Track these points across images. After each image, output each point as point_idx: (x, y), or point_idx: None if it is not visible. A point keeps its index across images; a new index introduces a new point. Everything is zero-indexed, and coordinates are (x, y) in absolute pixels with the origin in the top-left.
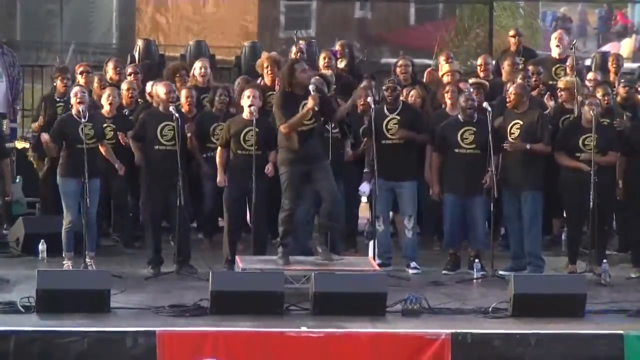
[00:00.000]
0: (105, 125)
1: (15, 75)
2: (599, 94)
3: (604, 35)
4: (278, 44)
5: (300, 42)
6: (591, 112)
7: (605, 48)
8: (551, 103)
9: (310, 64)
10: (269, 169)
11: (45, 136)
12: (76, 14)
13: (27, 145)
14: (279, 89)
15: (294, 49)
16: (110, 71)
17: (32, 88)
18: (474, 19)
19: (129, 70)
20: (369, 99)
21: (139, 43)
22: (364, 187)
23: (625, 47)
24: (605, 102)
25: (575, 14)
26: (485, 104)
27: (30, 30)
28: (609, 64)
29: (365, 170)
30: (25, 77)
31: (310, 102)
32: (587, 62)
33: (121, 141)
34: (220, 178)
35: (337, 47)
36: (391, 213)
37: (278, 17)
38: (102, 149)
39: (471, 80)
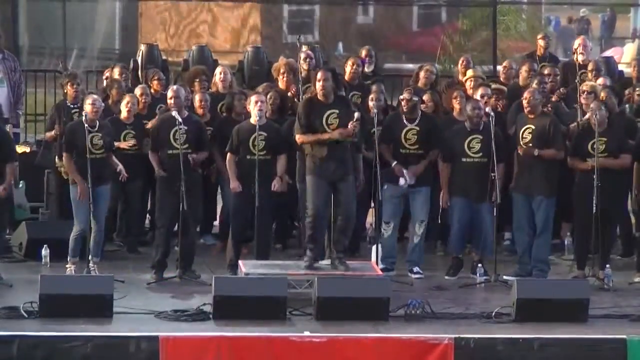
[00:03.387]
0: (125, 132)
1: (16, 80)
2: (601, 98)
3: (606, 39)
4: (281, 49)
5: (304, 47)
6: (595, 116)
7: (607, 53)
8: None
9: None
10: (275, 185)
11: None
12: (79, 19)
13: (28, 150)
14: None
15: (302, 55)
16: (116, 76)
17: (34, 93)
18: (476, 23)
19: (153, 76)
20: (374, 104)
21: (142, 48)
22: (402, 182)
23: (628, 51)
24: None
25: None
26: (487, 109)
27: (33, 35)
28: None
29: (394, 164)
30: (28, 82)
31: (335, 134)
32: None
33: (122, 146)
34: (234, 184)
35: (364, 52)
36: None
37: (281, 22)
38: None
39: (493, 86)
